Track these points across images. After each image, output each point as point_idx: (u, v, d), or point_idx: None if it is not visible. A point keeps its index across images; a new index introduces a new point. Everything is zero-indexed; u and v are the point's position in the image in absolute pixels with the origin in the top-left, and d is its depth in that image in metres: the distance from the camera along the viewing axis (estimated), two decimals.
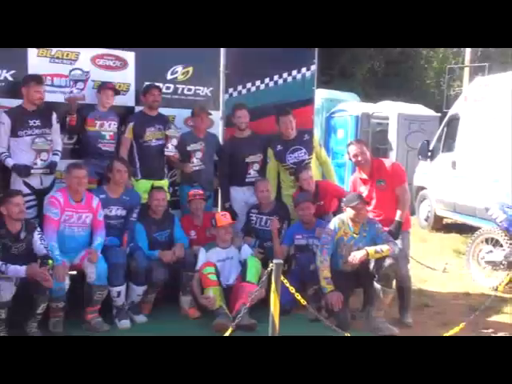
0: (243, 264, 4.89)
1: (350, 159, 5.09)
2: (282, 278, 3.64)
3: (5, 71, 4.82)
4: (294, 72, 5.92)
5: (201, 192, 5.36)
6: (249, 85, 5.98)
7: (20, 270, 4.05)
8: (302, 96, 5.94)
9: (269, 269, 3.72)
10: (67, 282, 4.37)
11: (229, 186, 5.69)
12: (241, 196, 5.69)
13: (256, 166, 5.66)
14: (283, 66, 5.92)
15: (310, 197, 5.24)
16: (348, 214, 4.67)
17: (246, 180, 5.61)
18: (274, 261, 3.65)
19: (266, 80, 5.96)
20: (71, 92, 4.95)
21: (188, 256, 4.96)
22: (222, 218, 5.02)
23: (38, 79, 4.74)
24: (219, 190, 5.87)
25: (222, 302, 4.64)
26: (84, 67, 5.14)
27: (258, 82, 5.97)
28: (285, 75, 5.94)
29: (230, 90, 6.00)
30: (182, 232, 5.22)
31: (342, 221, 4.72)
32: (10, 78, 4.83)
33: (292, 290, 3.84)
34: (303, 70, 5.92)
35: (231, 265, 5.01)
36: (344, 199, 4.86)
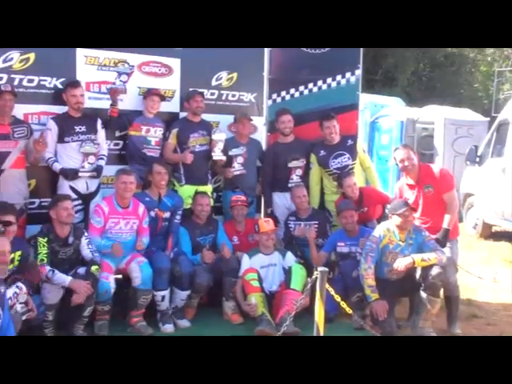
0: (287, 271, 4.85)
1: (397, 164, 4.99)
2: (327, 285, 3.58)
3: (54, 79, 4.94)
4: (338, 77, 5.87)
5: (243, 198, 5.36)
6: (292, 90, 5.96)
7: (65, 280, 4.16)
8: (346, 101, 5.87)
9: (313, 276, 3.67)
10: (113, 285, 4.44)
11: (271, 192, 5.67)
12: (283, 202, 5.66)
13: (299, 172, 5.62)
14: (327, 71, 5.87)
15: (353, 204, 5.15)
16: (394, 221, 4.57)
17: (289, 185, 5.58)
18: (319, 269, 3.60)
19: (310, 85, 5.92)
20: (114, 84, 5.04)
21: (231, 262, 4.97)
22: (265, 224, 5.00)
23: (73, 83, 4.85)
24: (262, 196, 5.86)
25: (265, 309, 4.62)
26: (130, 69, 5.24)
27: (301, 88, 5.94)
28: (329, 80, 5.89)
29: (274, 96, 5.99)
30: (226, 237, 5.24)
31: (387, 228, 4.63)
32: (60, 86, 4.95)
33: (337, 298, 3.78)
34: (347, 74, 5.85)
35: (274, 271, 4.98)
36: (389, 206, 4.77)
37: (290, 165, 5.58)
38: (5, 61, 4.69)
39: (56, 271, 4.16)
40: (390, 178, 11.28)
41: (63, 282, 4.16)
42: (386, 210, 4.90)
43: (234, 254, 5.12)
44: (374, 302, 4.45)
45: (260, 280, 4.78)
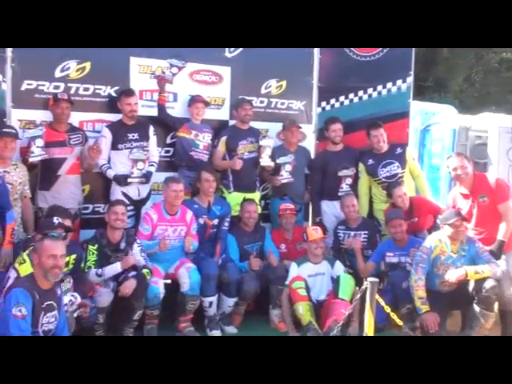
0: (336, 280, 4.79)
1: (450, 173, 4.88)
2: (377, 296, 3.53)
3: (109, 87, 5.09)
4: (389, 84, 5.81)
5: (292, 207, 5.35)
6: (342, 98, 5.94)
7: (117, 268, 4.30)
8: (397, 109, 5.81)
9: (363, 287, 3.62)
10: (162, 290, 4.50)
11: (320, 200, 5.63)
12: (332, 210, 5.61)
13: (348, 181, 5.56)
14: (378, 79, 5.82)
15: (401, 213, 5.06)
16: (445, 231, 4.46)
17: (338, 194, 5.53)
18: (369, 279, 3.56)
19: (360, 93, 5.88)
20: (163, 73, 5.13)
21: (278, 269, 4.96)
22: (314, 232, 4.96)
23: (128, 92, 4.97)
24: (310, 204, 5.83)
25: (312, 318, 4.58)
26: (181, 82, 5.33)
27: (351, 95, 5.91)
28: (379, 88, 5.83)
29: (323, 104, 5.98)
30: (273, 245, 5.23)
31: (439, 239, 4.52)
32: (114, 94, 5.09)
33: (387, 309, 3.71)
34: (398, 82, 5.79)
35: (322, 280, 4.93)
36: (440, 216, 4.66)
37: (340, 173, 5.53)
38: (62, 70, 4.87)
39: (103, 268, 4.28)
40: (442, 187, 10.99)
41: (116, 270, 4.31)
42: (438, 220, 4.78)
43: (282, 262, 5.11)
44: (425, 314, 4.35)
45: (307, 289, 4.74)
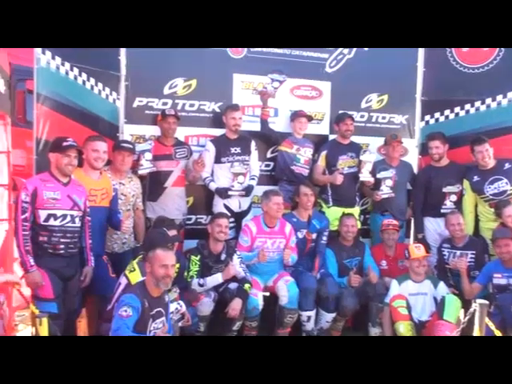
0: (441, 301, 4.60)
1: None
2: (487, 319, 3.35)
3: (213, 103, 5.27)
4: (499, 97, 5.51)
5: (395, 222, 5.24)
6: (447, 112, 5.75)
7: (218, 279, 4.42)
8: (508, 122, 5.49)
9: (471, 309, 3.45)
10: (261, 302, 4.56)
11: (423, 217, 5.46)
12: (435, 227, 5.42)
13: (453, 197, 5.34)
14: (486, 91, 5.56)
15: (509, 233, 4.76)
16: None
17: (442, 211, 5.31)
18: (478, 301, 3.39)
19: (467, 106, 5.65)
20: (265, 88, 5.24)
21: (378, 286, 4.86)
22: (416, 249, 4.81)
23: (233, 106, 5.12)
24: (411, 220, 5.68)
25: None
26: (282, 97, 5.41)
27: (457, 109, 5.69)
28: (488, 101, 5.56)
29: (427, 118, 5.82)
30: (373, 261, 5.14)
31: None
32: (218, 110, 5.26)
33: (498, 333, 3.51)
34: (510, 94, 5.48)
35: (424, 301, 4.76)
36: None
37: (445, 190, 5.32)
38: (170, 87, 5.11)
39: (205, 278, 4.40)
40: None
41: (217, 280, 4.43)
42: None
43: (382, 279, 5.01)
44: None
45: (409, 307, 4.61)
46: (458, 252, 5.10)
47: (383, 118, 5.82)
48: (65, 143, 3.79)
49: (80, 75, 4.63)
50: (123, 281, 3.77)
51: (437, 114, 5.79)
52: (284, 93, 5.44)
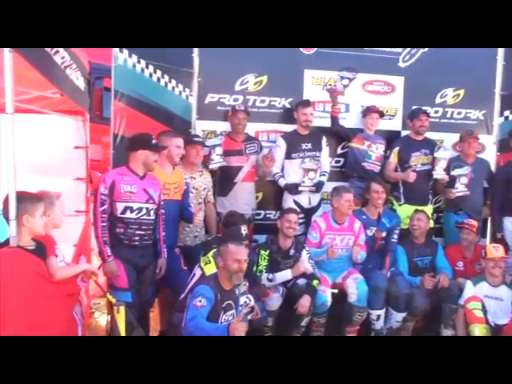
0: None
1: None
2: None
3: (283, 99, 5.28)
4: None
5: (474, 223, 5.04)
6: None
7: (286, 274, 4.43)
8: None
9: None
10: (329, 299, 4.53)
11: (502, 216, 5.23)
12: None
13: None
14: None
15: None
16: None
17: None
18: None
19: None
20: (334, 85, 5.18)
21: (452, 287, 4.71)
22: (493, 249, 4.62)
23: (305, 102, 5.09)
24: (488, 220, 5.47)
25: None
26: (353, 92, 5.34)
27: None
28: None
29: (506, 113, 5.58)
30: (446, 261, 4.98)
31: None
32: (288, 106, 5.27)
33: None
34: None
35: (501, 306, 4.57)
36: None
37: None
38: (242, 83, 5.16)
39: (274, 273, 4.42)
40: None
41: (286, 276, 4.44)
42: None
43: (455, 280, 4.84)
44: None
45: (484, 310, 4.44)
46: None
47: (459, 113, 5.62)
48: (154, 141, 3.96)
49: (155, 72, 4.76)
50: (198, 272, 3.86)
51: None
52: (355, 88, 5.36)
